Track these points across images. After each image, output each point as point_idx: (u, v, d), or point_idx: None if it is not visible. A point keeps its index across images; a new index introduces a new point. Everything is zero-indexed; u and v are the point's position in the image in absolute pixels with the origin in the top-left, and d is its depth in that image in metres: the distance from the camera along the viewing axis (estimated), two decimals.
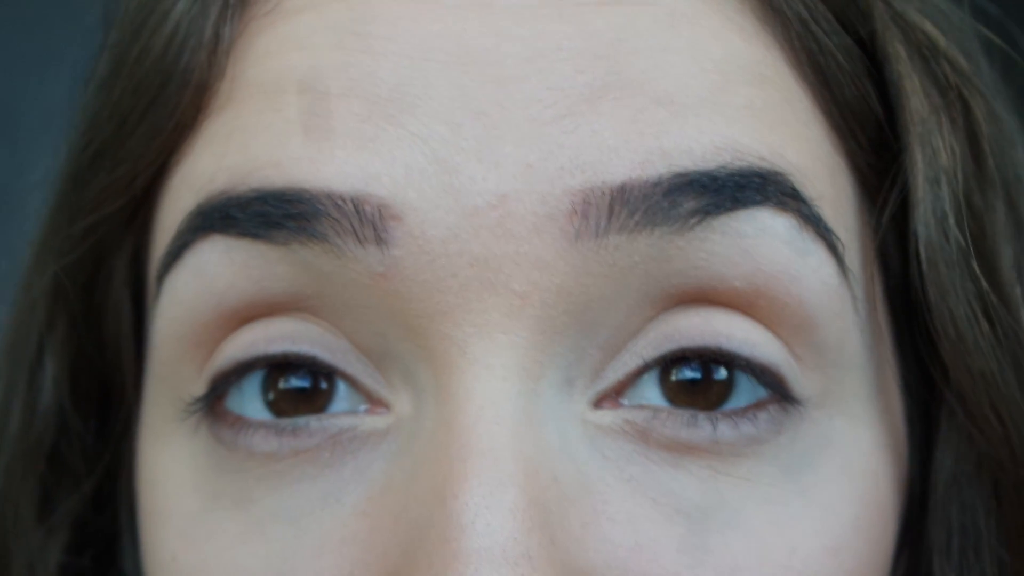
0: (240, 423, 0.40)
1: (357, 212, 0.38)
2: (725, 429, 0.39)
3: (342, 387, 0.40)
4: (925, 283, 0.41)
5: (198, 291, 0.41)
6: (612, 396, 0.40)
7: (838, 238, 0.41)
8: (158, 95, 0.42)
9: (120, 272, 0.46)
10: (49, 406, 0.48)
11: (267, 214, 0.39)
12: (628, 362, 0.39)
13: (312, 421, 0.40)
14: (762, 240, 0.39)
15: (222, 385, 0.41)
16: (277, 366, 0.40)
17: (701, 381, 0.40)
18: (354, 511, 0.39)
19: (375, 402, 0.40)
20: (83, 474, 0.49)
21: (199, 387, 0.41)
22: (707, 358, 0.39)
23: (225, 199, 0.40)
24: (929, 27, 0.43)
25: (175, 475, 0.42)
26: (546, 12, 0.39)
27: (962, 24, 0.45)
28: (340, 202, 0.38)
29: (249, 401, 0.41)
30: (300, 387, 0.40)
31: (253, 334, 0.40)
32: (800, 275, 0.40)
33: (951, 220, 0.41)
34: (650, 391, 0.40)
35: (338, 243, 0.38)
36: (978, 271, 0.42)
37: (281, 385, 0.40)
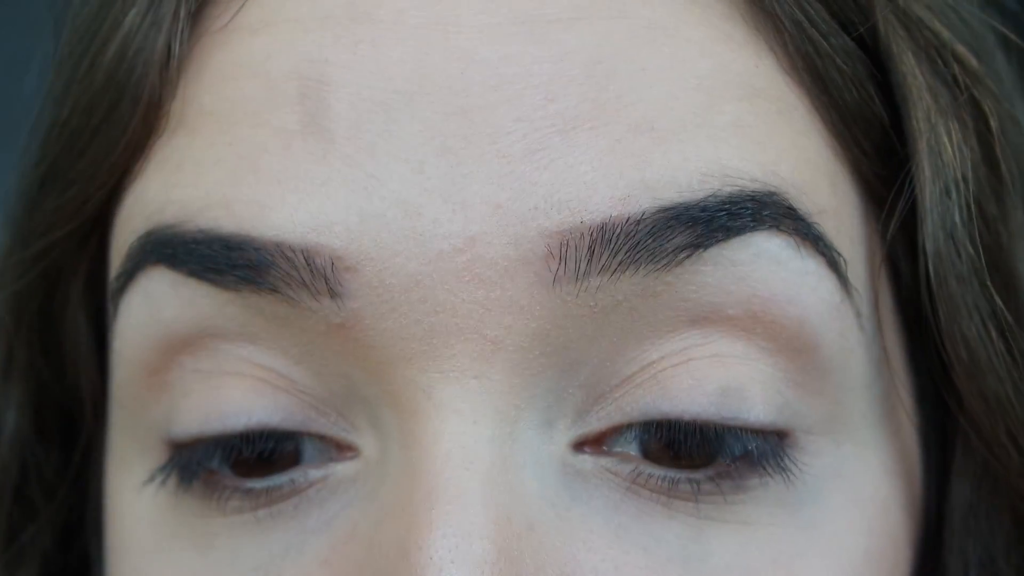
0: (213, 479, 0.39)
1: (308, 264, 0.36)
2: (709, 488, 0.37)
3: (308, 442, 0.38)
4: (935, 302, 0.39)
5: (149, 317, 0.39)
6: (594, 441, 0.37)
7: (839, 254, 0.38)
8: (109, 114, 0.40)
9: (75, 296, 0.44)
10: (12, 439, 0.47)
11: (214, 259, 0.37)
12: (612, 415, 0.37)
13: (285, 484, 0.38)
14: (758, 265, 0.37)
15: (186, 455, 0.39)
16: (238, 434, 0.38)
17: (685, 445, 0.37)
18: (316, 559, 0.37)
19: (343, 448, 0.38)
20: (45, 506, 0.47)
21: (159, 445, 0.40)
22: (696, 429, 0.37)
23: (172, 234, 0.38)
24: (936, 24, 0.40)
25: (136, 509, 0.41)
26: (515, 31, 0.36)
27: (974, 20, 0.42)
28: (289, 253, 0.36)
29: (210, 459, 0.39)
30: (263, 450, 0.38)
31: (207, 401, 0.38)
32: (798, 296, 0.37)
33: (962, 232, 0.39)
34: (634, 441, 0.37)
35: (290, 294, 0.36)
36: (992, 288, 0.39)
37: (245, 453, 0.38)
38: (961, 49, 0.40)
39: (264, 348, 0.38)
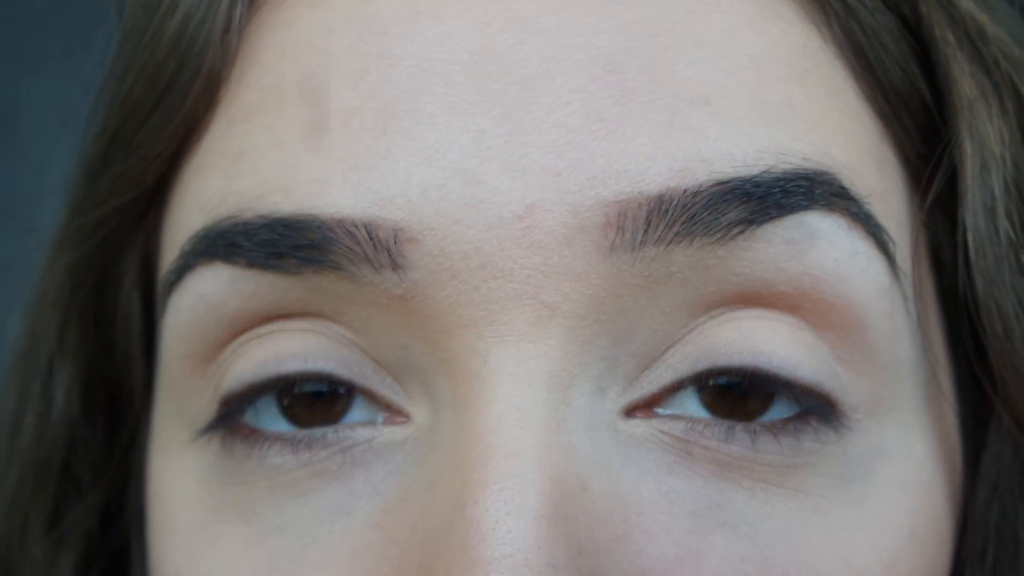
0: (254, 436, 0.39)
1: (371, 238, 0.36)
2: (766, 442, 0.37)
3: (359, 398, 0.38)
4: (972, 275, 0.39)
5: (204, 315, 0.39)
6: (645, 406, 0.38)
7: (889, 236, 0.39)
8: (170, 82, 0.40)
9: (130, 275, 0.45)
10: (62, 416, 0.47)
11: (275, 243, 0.37)
12: (663, 375, 0.37)
13: (329, 433, 0.38)
14: (810, 244, 0.37)
15: (235, 408, 0.39)
16: (292, 381, 0.39)
17: (739, 389, 0.37)
18: (367, 523, 0.37)
19: (394, 412, 0.38)
20: (92, 486, 0.48)
21: (210, 407, 0.40)
22: (745, 376, 0.37)
23: (231, 225, 0.38)
24: (978, 12, 0.41)
25: (181, 487, 0.41)
26: (573, 2, 0.37)
27: (1010, 15, 0.43)
28: (352, 228, 0.36)
29: (264, 410, 0.39)
30: (317, 391, 0.39)
31: (264, 351, 0.38)
32: (849, 276, 0.38)
33: (1000, 209, 0.40)
34: (687, 399, 0.38)
35: (352, 270, 0.37)
36: None
37: (297, 390, 0.39)
38: (1002, 36, 0.41)
39: (326, 321, 0.38)
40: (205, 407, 0.40)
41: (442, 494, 0.36)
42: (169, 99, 0.40)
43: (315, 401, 0.39)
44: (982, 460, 0.41)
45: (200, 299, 0.39)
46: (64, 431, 0.47)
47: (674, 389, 0.37)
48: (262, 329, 0.39)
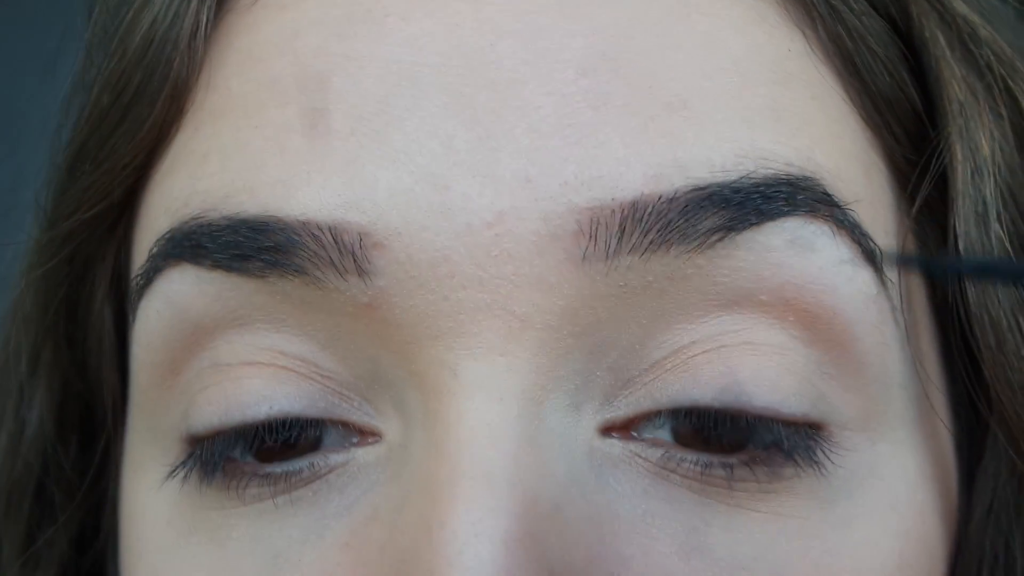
0: (232, 466, 0.38)
1: (336, 242, 0.35)
2: (743, 473, 0.36)
3: (330, 430, 0.37)
4: (963, 284, 0.38)
5: (171, 319, 0.38)
6: (621, 427, 0.36)
7: (875, 244, 0.38)
8: (138, 91, 0.40)
9: (102, 289, 0.44)
10: (35, 438, 0.46)
11: (239, 245, 0.36)
12: (642, 401, 0.36)
13: (305, 468, 0.37)
14: (792, 252, 0.36)
15: (204, 448, 0.38)
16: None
17: (719, 428, 0.36)
18: (336, 543, 0.36)
19: (366, 433, 0.37)
20: (66, 508, 0.47)
21: (178, 435, 0.39)
22: (728, 416, 0.36)
23: (196, 226, 0.37)
24: (970, 13, 0.40)
25: (152, 508, 0.40)
26: (547, 4, 0.36)
27: (1005, 14, 0.42)
28: (316, 232, 0.35)
29: (231, 449, 0.38)
30: (287, 438, 0.37)
31: (225, 395, 0.37)
32: (834, 286, 0.36)
33: (992, 215, 0.38)
34: (662, 427, 0.36)
35: (317, 275, 0.36)
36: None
37: (268, 443, 0.37)
38: (995, 37, 0.40)
39: (290, 335, 0.37)
40: (173, 428, 0.39)
41: (411, 515, 0.35)
42: (137, 108, 0.40)
43: (287, 447, 0.37)
44: (976, 479, 0.40)
45: (167, 302, 0.38)
46: (38, 453, 0.46)
47: (651, 416, 0.36)
48: (223, 347, 0.38)
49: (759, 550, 0.36)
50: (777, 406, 0.36)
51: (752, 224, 0.35)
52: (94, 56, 0.42)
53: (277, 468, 0.37)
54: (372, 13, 0.37)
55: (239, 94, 0.38)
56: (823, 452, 0.36)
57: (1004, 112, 0.40)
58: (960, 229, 0.38)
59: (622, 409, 0.36)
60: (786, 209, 0.36)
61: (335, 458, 0.37)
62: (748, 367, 0.36)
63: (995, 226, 0.38)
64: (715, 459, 0.36)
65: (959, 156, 0.39)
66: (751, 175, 0.36)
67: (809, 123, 0.37)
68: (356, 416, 0.37)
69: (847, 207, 0.37)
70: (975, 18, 0.40)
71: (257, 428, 0.37)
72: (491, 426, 0.34)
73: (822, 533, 0.36)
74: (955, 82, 0.39)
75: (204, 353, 0.38)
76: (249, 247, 0.36)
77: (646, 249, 0.35)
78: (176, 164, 0.39)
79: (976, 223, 0.38)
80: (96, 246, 0.43)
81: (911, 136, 0.40)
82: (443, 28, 0.36)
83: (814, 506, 0.36)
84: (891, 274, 0.38)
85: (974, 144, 0.39)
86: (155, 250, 0.39)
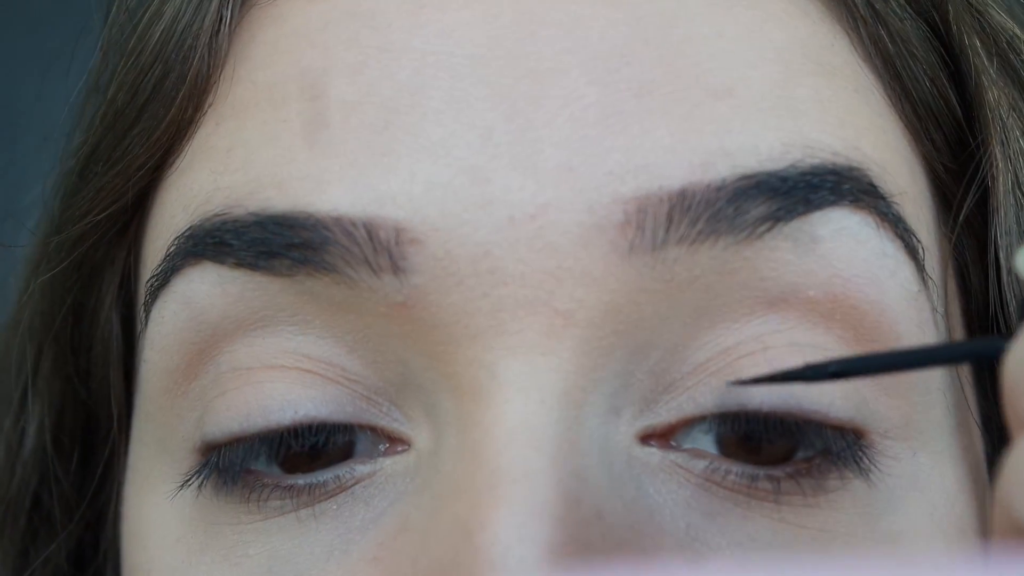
0: (251, 477, 0.36)
1: (370, 239, 0.34)
2: (788, 487, 0.35)
3: (360, 436, 0.36)
4: (1004, 298, 0.37)
5: (188, 321, 0.37)
6: (660, 435, 0.35)
7: (919, 240, 0.37)
8: (155, 91, 0.38)
9: (110, 295, 0.42)
10: (33, 451, 0.44)
11: (267, 242, 0.35)
12: (684, 406, 0.35)
13: (331, 480, 0.35)
14: (839, 243, 0.35)
15: (222, 455, 0.36)
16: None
17: (764, 436, 0.35)
18: (363, 558, 0.35)
19: (395, 440, 0.36)
20: (64, 523, 0.45)
21: (192, 446, 0.37)
22: (774, 420, 0.35)
23: (220, 223, 0.36)
24: (1006, 21, 0.40)
25: (160, 525, 0.38)
26: None
27: None
28: (350, 228, 0.34)
29: (254, 458, 0.36)
30: (315, 443, 0.36)
31: (246, 399, 0.36)
32: (878, 278, 0.35)
33: None
34: (703, 433, 0.35)
35: (349, 273, 0.34)
36: None
37: (294, 448, 0.36)
38: None
39: (316, 337, 0.36)
40: (187, 438, 0.37)
41: (446, 521, 0.33)
42: (153, 107, 0.38)
43: (316, 454, 0.36)
44: None
45: (185, 303, 0.37)
46: (35, 467, 0.45)
47: (693, 422, 0.35)
48: (242, 350, 0.36)
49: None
50: (825, 409, 0.35)
51: (799, 214, 0.35)
52: (109, 57, 0.41)
53: (301, 480, 0.36)
54: (406, 4, 0.36)
55: (265, 87, 0.37)
56: (868, 459, 0.35)
57: None
58: (1002, 241, 0.38)
59: (663, 415, 0.35)
60: (832, 199, 0.35)
61: (362, 469, 0.36)
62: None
63: None
64: (761, 471, 0.35)
65: (1001, 167, 0.38)
66: (798, 164, 0.35)
67: (854, 114, 0.37)
68: (385, 421, 0.35)
69: (892, 199, 0.36)
70: (1014, 28, 0.40)
71: (282, 434, 0.36)
72: (531, 427, 0.33)
73: (868, 550, 0.35)
74: (995, 91, 0.39)
75: (222, 357, 0.36)
76: (277, 244, 0.35)
77: (694, 240, 0.34)
78: (195, 160, 0.38)
79: (1018, 232, 0.38)
80: (106, 250, 0.42)
81: (950, 143, 0.39)
82: (481, 19, 0.35)
83: (859, 522, 0.35)
84: (931, 273, 0.37)
85: (1015, 155, 0.38)
86: (173, 248, 0.37)
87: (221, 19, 0.38)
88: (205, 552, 0.37)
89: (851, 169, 0.35)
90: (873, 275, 0.35)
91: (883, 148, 0.37)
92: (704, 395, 0.35)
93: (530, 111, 0.34)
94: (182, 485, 0.38)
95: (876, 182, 0.36)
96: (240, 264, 0.35)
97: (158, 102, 0.38)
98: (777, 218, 0.34)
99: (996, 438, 0.40)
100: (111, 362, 0.43)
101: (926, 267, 0.37)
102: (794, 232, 0.35)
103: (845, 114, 0.36)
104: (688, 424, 0.35)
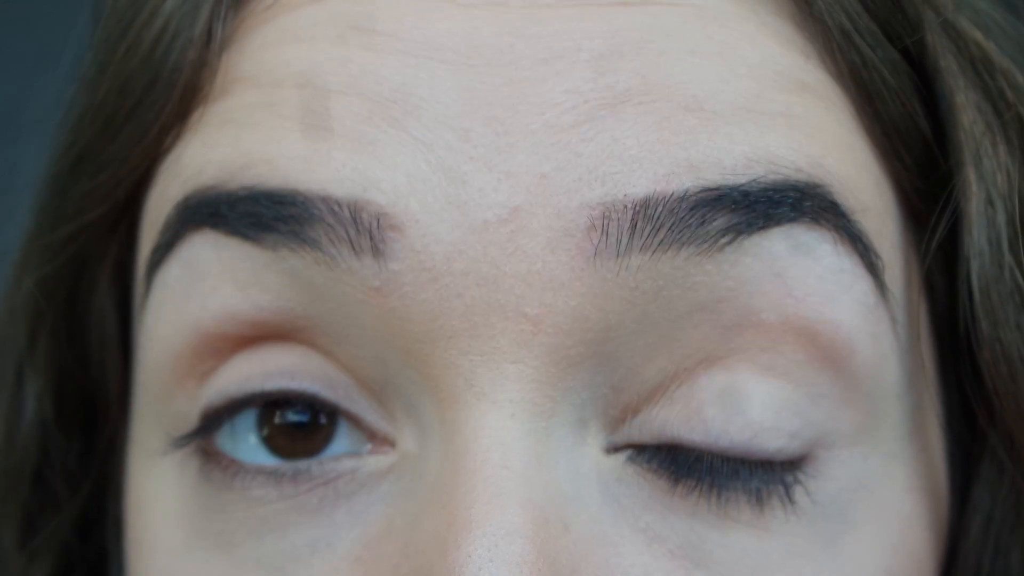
0: (234, 467, 0.38)
1: (354, 219, 0.35)
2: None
3: (343, 425, 0.38)
4: (976, 314, 0.38)
5: (188, 289, 0.38)
6: (623, 447, 0.37)
7: (878, 256, 0.38)
8: (144, 96, 0.40)
9: (103, 283, 0.44)
10: (32, 424, 0.46)
11: (258, 215, 0.36)
12: (642, 432, 0.37)
13: (313, 466, 0.37)
14: (794, 260, 0.36)
15: (214, 422, 0.38)
16: (273, 402, 0.38)
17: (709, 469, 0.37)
18: (348, 557, 0.36)
19: (378, 440, 0.37)
20: (67, 496, 0.46)
21: (189, 418, 0.39)
22: (722, 458, 0.37)
23: (214, 195, 0.37)
24: (983, 39, 0.40)
25: (161, 505, 0.40)
26: (566, 11, 0.36)
27: (1018, 36, 0.42)
28: (336, 207, 0.36)
29: (242, 437, 0.38)
30: (298, 422, 0.38)
31: (249, 366, 0.38)
32: (833, 294, 0.37)
33: (1006, 246, 0.38)
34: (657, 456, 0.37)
35: (332, 252, 0.36)
36: None
37: (277, 420, 0.38)
38: (1008, 65, 0.40)
39: (305, 347, 0.37)
40: (186, 408, 0.39)
41: (426, 533, 0.35)
42: (142, 112, 0.40)
43: (296, 430, 0.38)
44: (972, 491, 0.40)
45: (188, 266, 0.38)
46: (35, 439, 0.46)
47: (646, 447, 0.37)
48: (244, 314, 0.38)
49: (754, 567, 0.36)
50: (767, 446, 0.36)
51: (759, 228, 0.36)
52: (99, 56, 0.42)
53: (283, 465, 0.37)
54: (391, 12, 0.37)
55: (252, 76, 0.38)
56: (802, 488, 0.37)
57: (1016, 140, 0.40)
58: (974, 260, 0.38)
59: (623, 436, 0.37)
60: (792, 215, 0.36)
61: (346, 463, 0.37)
62: (744, 406, 0.36)
63: (1008, 257, 0.38)
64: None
65: (972, 187, 0.39)
66: (760, 179, 0.36)
67: (821, 131, 0.38)
68: (370, 418, 0.37)
69: (853, 217, 0.37)
70: (990, 46, 0.40)
71: (271, 401, 0.37)
72: (503, 445, 0.35)
73: (813, 552, 0.37)
74: (968, 111, 0.39)
75: (223, 363, 0.38)
76: (268, 216, 0.36)
77: (656, 248, 0.35)
78: (185, 140, 0.39)
79: (990, 253, 0.39)
80: (98, 245, 0.43)
81: (920, 165, 0.40)
82: (462, 30, 0.36)
83: (805, 523, 0.37)
84: (892, 286, 0.38)
85: (987, 175, 0.39)
86: (172, 217, 0.38)
87: (211, 33, 0.39)
88: (200, 537, 0.38)
89: (813, 186, 0.37)
90: (828, 292, 0.37)
91: (849, 164, 0.38)
92: (659, 427, 0.36)
93: (507, 117, 0.35)
94: (175, 445, 0.39)
95: (837, 199, 0.37)
96: (233, 232, 0.37)
97: (146, 107, 0.40)
98: (738, 231, 0.36)
99: (960, 430, 0.41)
100: (107, 345, 0.44)
101: (886, 280, 0.38)
102: (753, 247, 0.36)
103: (813, 130, 0.37)
104: (643, 447, 0.37)
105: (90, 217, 0.42)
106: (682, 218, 0.35)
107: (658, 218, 0.35)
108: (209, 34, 0.39)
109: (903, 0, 0.39)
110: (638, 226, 0.35)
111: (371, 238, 0.35)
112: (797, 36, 0.38)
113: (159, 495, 0.40)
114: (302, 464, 0.37)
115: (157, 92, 0.39)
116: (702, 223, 0.35)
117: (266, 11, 0.39)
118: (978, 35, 0.40)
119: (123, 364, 0.44)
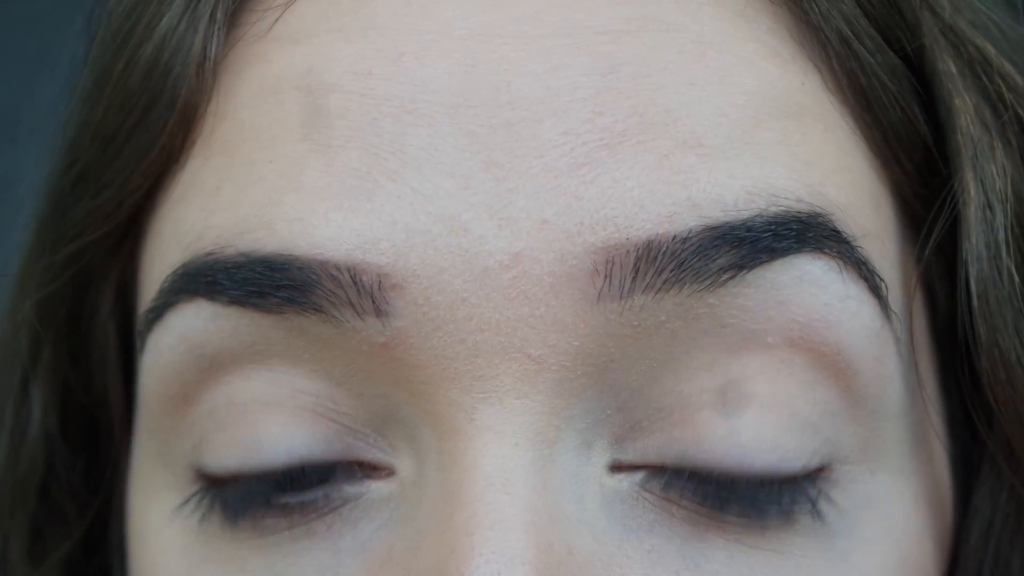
0: (245, 498, 0.38)
1: (354, 282, 0.35)
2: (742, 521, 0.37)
3: (343, 467, 0.37)
4: (975, 319, 0.38)
5: (185, 354, 0.38)
6: (629, 467, 0.37)
7: (881, 279, 0.38)
8: (144, 115, 0.39)
9: (106, 304, 0.43)
10: (37, 438, 0.46)
11: (256, 282, 0.36)
12: (648, 453, 0.36)
13: (320, 498, 0.37)
14: (799, 289, 0.36)
15: (226, 492, 0.38)
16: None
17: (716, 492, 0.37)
18: None
19: (379, 469, 0.37)
20: (73, 514, 0.46)
21: (189, 464, 0.39)
22: (728, 479, 0.36)
23: (212, 261, 0.37)
24: (982, 41, 0.40)
25: (164, 533, 0.40)
26: (562, 42, 0.36)
27: (1017, 37, 0.42)
28: (335, 271, 0.35)
29: (253, 496, 0.38)
30: (300, 478, 0.38)
31: (242, 437, 0.37)
32: (838, 321, 0.37)
33: (1004, 251, 0.38)
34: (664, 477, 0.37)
35: (335, 314, 0.36)
36: None
37: (284, 486, 0.38)
38: (1007, 67, 0.40)
39: (306, 371, 0.37)
40: (185, 457, 0.39)
41: (427, 560, 0.35)
42: (143, 131, 0.39)
43: (302, 480, 0.38)
44: (973, 497, 0.40)
45: (181, 338, 0.38)
46: (41, 452, 0.46)
47: (653, 468, 0.37)
48: (237, 383, 0.38)
49: None
50: (776, 464, 0.36)
51: (763, 262, 0.36)
52: (95, 74, 0.42)
53: (292, 499, 0.37)
54: (385, 52, 0.36)
55: (251, 127, 0.38)
56: (825, 498, 0.37)
57: (1014, 142, 0.40)
58: (972, 264, 0.38)
59: (630, 454, 0.37)
60: (796, 246, 0.36)
61: (348, 490, 0.37)
62: (751, 427, 0.36)
63: (1007, 261, 0.38)
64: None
65: (972, 190, 0.39)
66: (763, 213, 0.36)
67: (820, 156, 0.37)
68: (371, 454, 0.37)
69: (855, 243, 0.37)
70: (989, 47, 0.40)
71: (276, 473, 0.37)
72: (506, 472, 0.35)
73: (822, 570, 0.37)
74: (967, 115, 0.39)
75: (219, 387, 0.38)
76: (266, 284, 0.36)
77: (660, 288, 0.35)
78: (188, 193, 0.39)
79: (988, 258, 0.38)
80: (101, 263, 0.42)
81: (920, 170, 0.40)
82: (459, 68, 0.36)
83: (813, 543, 0.37)
84: (895, 306, 0.38)
85: (986, 178, 0.39)
86: (167, 285, 0.38)
87: (206, 50, 0.39)
88: (206, 564, 0.38)
89: (815, 216, 0.36)
90: (833, 319, 0.37)
91: (848, 189, 0.38)
92: (666, 447, 0.36)
93: (506, 161, 0.35)
94: (181, 506, 0.39)
95: (839, 227, 0.37)
96: (233, 302, 0.37)
97: (148, 127, 0.39)
98: (741, 266, 0.35)
99: (962, 438, 0.41)
100: (109, 368, 0.44)
101: (889, 303, 0.38)
102: (756, 279, 0.36)
103: (812, 156, 0.37)
104: (651, 469, 0.37)
105: (93, 236, 0.41)
106: (685, 259, 0.35)
107: (661, 259, 0.35)
108: (204, 54, 0.39)
109: (901, 4, 0.39)
110: (641, 268, 0.35)
111: (373, 300, 0.35)
112: (795, 52, 0.38)
113: (160, 522, 0.40)
114: (308, 496, 0.37)
115: (158, 112, 0.39)
116: (705, 261, 0.35)
117: (258, 42, 0.38)
118: (977, 37, 0.40)
119: (124, 388, 0.44)
